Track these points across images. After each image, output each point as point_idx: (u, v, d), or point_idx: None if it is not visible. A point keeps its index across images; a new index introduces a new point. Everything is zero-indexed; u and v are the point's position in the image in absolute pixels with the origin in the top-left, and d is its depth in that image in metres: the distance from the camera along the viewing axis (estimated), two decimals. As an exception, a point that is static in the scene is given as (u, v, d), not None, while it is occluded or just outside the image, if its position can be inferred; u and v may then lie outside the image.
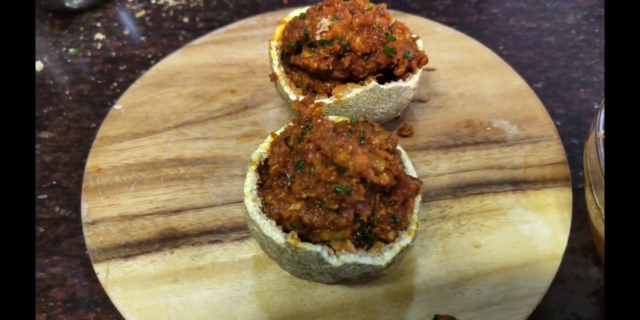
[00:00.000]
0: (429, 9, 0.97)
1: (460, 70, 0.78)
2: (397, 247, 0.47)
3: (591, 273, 0.60)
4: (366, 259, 0.46)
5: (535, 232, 0.59)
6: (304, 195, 0.45)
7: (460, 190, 0.64)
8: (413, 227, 0.49)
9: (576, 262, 0.61)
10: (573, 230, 0.63)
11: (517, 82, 0.76)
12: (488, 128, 0.70)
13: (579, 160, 0.71)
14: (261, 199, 0.49)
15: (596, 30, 0.91)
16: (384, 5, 0.62)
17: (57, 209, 0.70)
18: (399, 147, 0.53)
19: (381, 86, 0.59)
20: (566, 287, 0.59)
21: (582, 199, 0.63)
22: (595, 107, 0.79)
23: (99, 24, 0.98)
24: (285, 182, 0.48)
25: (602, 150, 0.50)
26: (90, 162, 0.69)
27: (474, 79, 0.77)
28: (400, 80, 0.61)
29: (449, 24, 0.91)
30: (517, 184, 0.64)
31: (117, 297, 0.56)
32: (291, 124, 0.52)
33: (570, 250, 0.61)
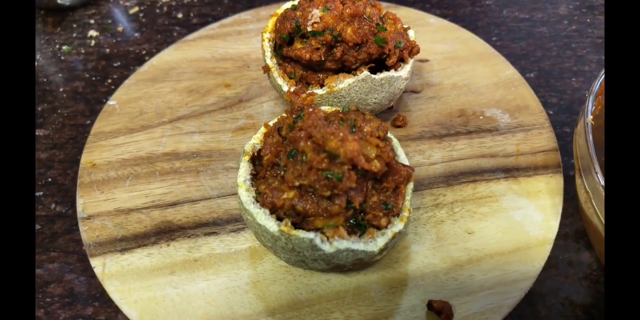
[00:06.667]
0: (422, 2, 0.97)
1: (453, 60, 0.79)
2: (389, 233, 0.48)
3: (583, 258, 0.61)
4: (359, 245, 0.46)
5: (527, 217, 0.59)
6: (297, 183, 0.45)
7: (454, 178, 0.64)
8: (405, 213, 0.50)
9: (568, 248, 0.61)
10: (565, 216, 0.63)
11: (509, 71, 0.76)
12: (481, 117, 0.71)
13: (571, 148, 0.71)
14: (255, 188, 0.50)
15: (588, 20, 0.91)
16: (375, -5, 0.63)
17: (53, 205, 0.70)
18: (390, 135, 0.54)
19: (373, 76, 0.59)
20: (559, 272, 0.59)
21: (574, 185, 0.63)
22: (587, 95, 0.79)
23: (92, 21, 0.98)
24: (278, 172, 0.49)
25: (590, 136, 0.51)
26: (85, 158, 0.70)
27: (467, 69, 0.77)
28: (392, 70, 0.61)
29: (443, 16, 0.92)
30: (510, 172, 0.64)
31: (114, 290, 0.56)
32: (284, 114, 0.53)
33: (562, 235, 0.62)
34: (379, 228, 0.48)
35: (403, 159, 0.54)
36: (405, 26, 0.64)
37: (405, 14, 0.85)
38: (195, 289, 0.56)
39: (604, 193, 0.47)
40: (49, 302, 0.61)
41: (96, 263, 0.58)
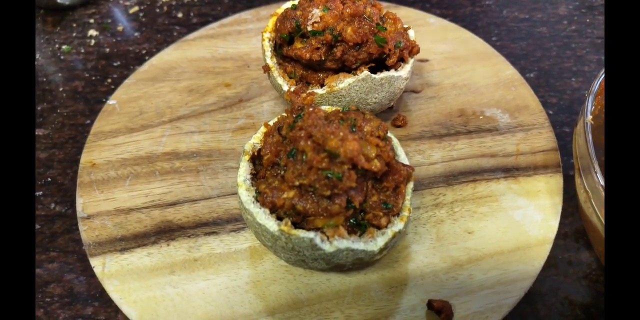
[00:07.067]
0: (423, 2, 0.97)
1: (454, 60, 0.79)
2: (389, 232, 0.48)
3: (582, 257, 0.61)
4: (359, 244, 0.46)
5: (527, 217, 0.59)
6: (297, 183, 0.45)
7: (454, 178, 0.64)
8: (405, 213, 0.50)
9: (568, 247, 0.62)
10: (565, 216, 0.63)
11: (509, 71, 0.76)
12: (480, 117, 0.71)
13: (571, 147, 0.71)
14: (255, 188, 0.50)
15: (587, 20, 0.91)
16: (375, -5, 0.63)
17: (53, 205, 0.70)
18: (390, 135, 0.54)
19: (373, 75, 0.59)
20: (558, 272, 0.59)
21: (573, 185, 0.64)
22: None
23: (91, 21, 0.98)
24: (278, 171, 0.49)
25: (590, 136, 0.51)
26: (85, 157, 0.70)
27: (467, 69, 0.77)
28: (393, 70, 0.61)
29: (443, 15, 0.92)
30: (509, 171, 0.64)
31: (114, 290, 0.56)
32: (284, 114, 0.53)
33: (562, 235, 0.62)
34: (379, 227, 0.48)
35: (403, 158, 0.54)
36: (405, 26, 0.64)
37: (405, 14, 0.86)
38: (195, 288, 0.56)
39: (603, 193, 0.47)
40: (48, 302, 0.61)
41: (96, 263, 0.58)
